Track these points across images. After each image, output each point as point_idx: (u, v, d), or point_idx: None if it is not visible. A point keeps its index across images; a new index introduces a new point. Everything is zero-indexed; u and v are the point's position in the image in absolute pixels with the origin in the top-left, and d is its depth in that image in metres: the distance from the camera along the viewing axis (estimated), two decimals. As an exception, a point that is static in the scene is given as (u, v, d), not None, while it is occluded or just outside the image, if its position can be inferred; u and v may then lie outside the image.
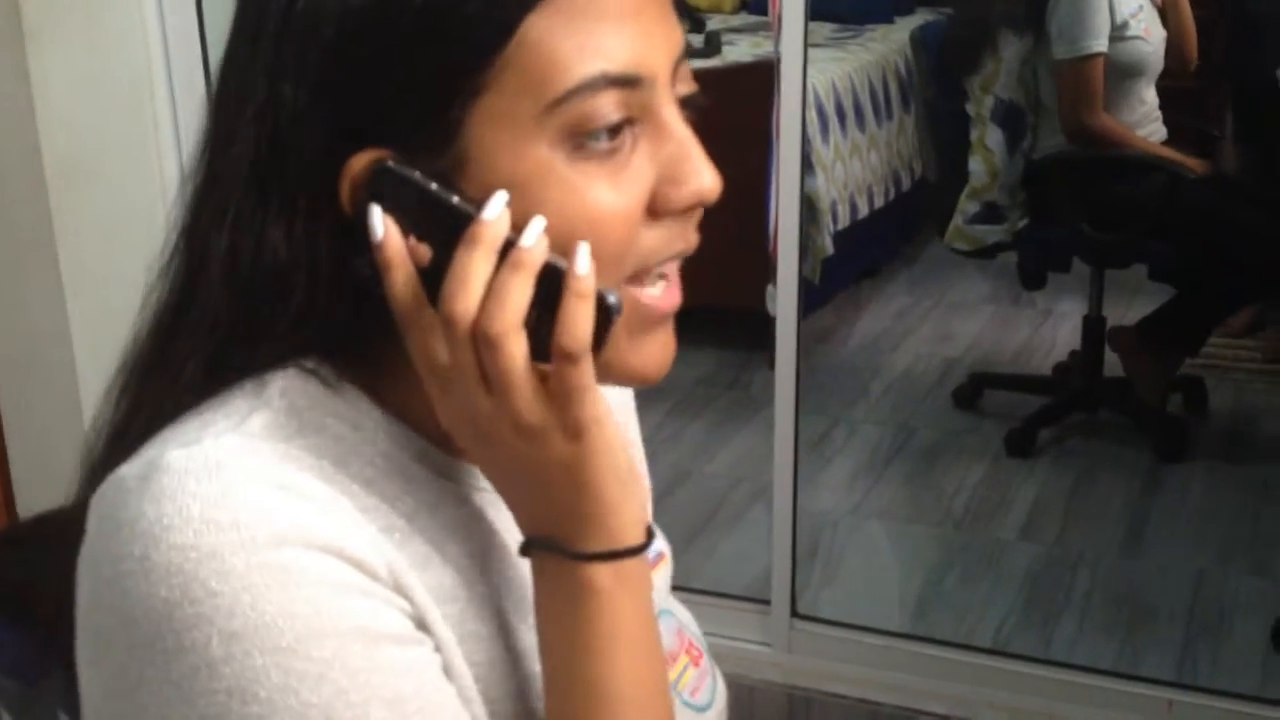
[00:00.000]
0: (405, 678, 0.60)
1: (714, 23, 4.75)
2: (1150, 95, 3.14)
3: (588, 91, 0.60)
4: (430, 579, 0.64)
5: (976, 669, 2.27)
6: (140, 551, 0.57)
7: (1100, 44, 2.98)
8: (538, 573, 0.66)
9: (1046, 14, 3.04)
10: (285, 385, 0.64)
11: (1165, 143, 3.15)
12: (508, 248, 0.60)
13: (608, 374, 0.65)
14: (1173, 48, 3.10)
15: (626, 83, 0.62)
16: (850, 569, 2.78)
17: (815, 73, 3.88)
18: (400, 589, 0.62)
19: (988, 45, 3.13)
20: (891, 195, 4.21)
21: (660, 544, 0.88)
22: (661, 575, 0.86)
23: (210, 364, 0.65)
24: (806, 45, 2.13)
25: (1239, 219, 3.02)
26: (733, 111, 3.13)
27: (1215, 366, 3.51)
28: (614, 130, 0.62)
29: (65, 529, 0.64)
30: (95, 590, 0.60)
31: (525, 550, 0.66)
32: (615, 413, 0.88)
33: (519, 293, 0.60)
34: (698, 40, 4.35)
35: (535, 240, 0.60)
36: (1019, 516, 2.96)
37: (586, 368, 0.60)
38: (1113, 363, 3.28)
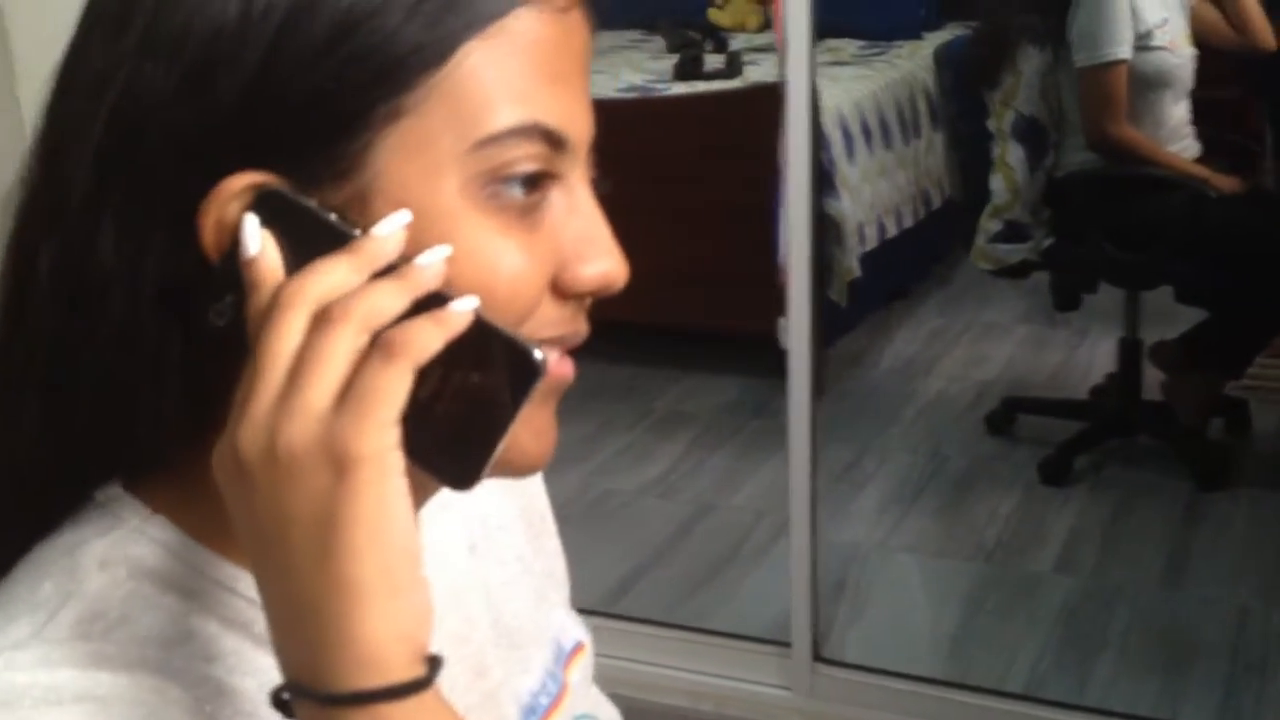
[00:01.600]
0: None
1: (737, 42, 4.69)
2: (1179, 110, 3.05)
3: (518, 138, 0.54)
4: None
5: (1009, 716, 2.19)
6: None
7: (1122, 51, 2.90)
8: None
9: (1067, 24, 2.96)
10: (106, 553, 0.56)
11: (1199, 158, 3.05)
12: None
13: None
14: (1239, 31, 3.00)
15: (556, 141, 0.55)
16: (878, 605, 2.69)
17: (840, 91, 3.82)
18: None
19: (1007, 59, 3.06)
20: (921, 215, 4.13)
21: (578, 632, 0.80)
22: (580, 669, 0.78)
23: (26, 466, 0.56)
24: (814, 69, 2.05)
25: (1276, 236, 2.91)
26: (753, 134, 3.09)
27: (1258, 388, 3.39)
28: (530, 183, 0.55)
29: None
30: None
31: (275, 700, 0.50)
32: (524, 483, 0.79)
33: (386, 296, 0.49)
34: (719, 61, 4.30)
35: (430, 263, 0.51)
36: (1054, 548, 2.86)
37: (400, 379, 0.47)
38: (1151, 386, 3.19)
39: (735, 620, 2.51)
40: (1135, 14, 2.92)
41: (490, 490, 0.49)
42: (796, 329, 2.18)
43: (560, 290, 0.57)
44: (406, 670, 0.48)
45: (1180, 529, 2.90)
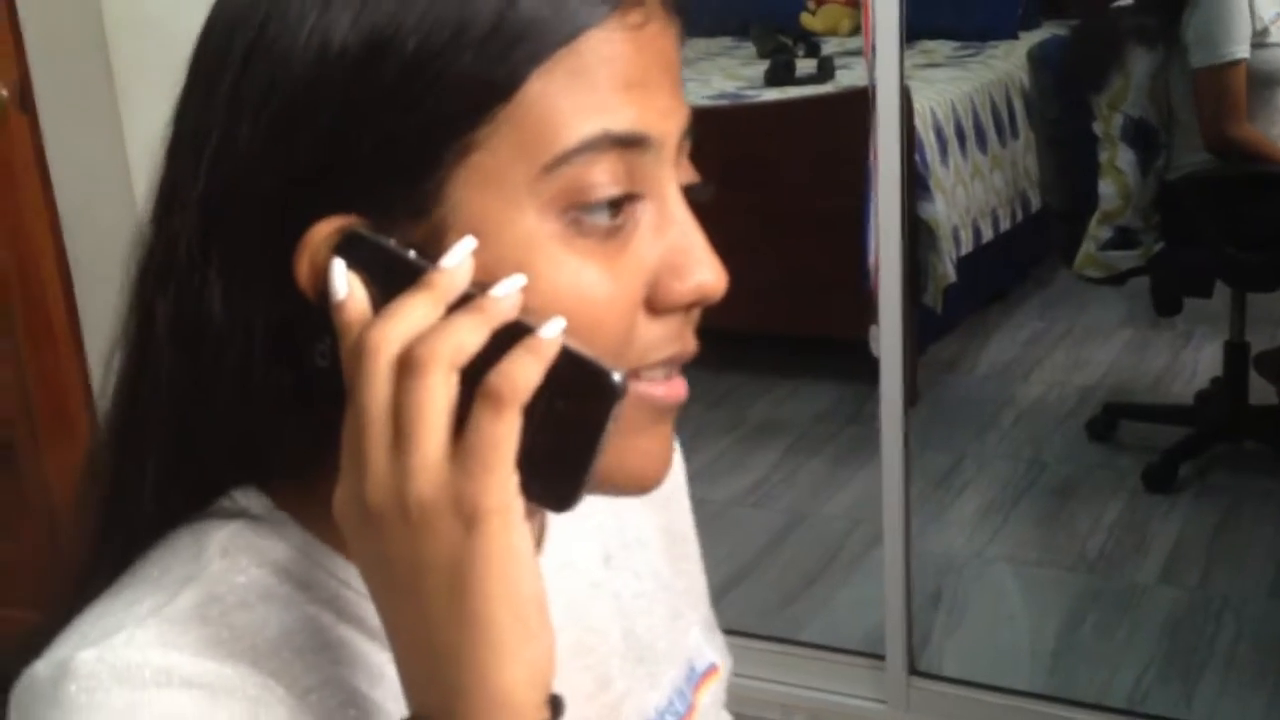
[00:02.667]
0: None
1: (829, 46, 4.66)
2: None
3: (589, 152, 0.53)
4: None
5: (1110, 731, 2.14)
6: None
7: (1242, 50, 2.83)
8: None
9: (1182, 23, 2.88)
10: (229, 541, 0.58)
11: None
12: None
13: (602, 480, 0.54)
14: None
15: (631, 143, 0.54)
16: (976, 616, 2.65)
17: (933, 93, 3.77)
18: None
19: (1114, 61, 2.99)
20: (1019, 217, 4.06)
21: (714, 655, 0.79)
22: (711, 693, 0.77)
23: (162, 484, 0.59)
24: (903, 71, 2.03)
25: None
26: (846, 139, 3.06)
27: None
28: (615, 206, 0.55)
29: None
30: None
31: None
32: (669, 502, 0.81)
33: (466, 332, 0.50)
34: (810, 66, 4.27)
35: (506, 293, 0.51)
36: (1159, 558, 2.80)
37: (509, 427, 0.49)
38: (1258, 390, 3.10)
39: (829, 632, 2.49)
40: (1253, 10, 2.84)
41: (631, 504, 0.50)
42: (888, 336, 2.15)
43: (656, 307, 0.57)
44: (535, 713, 0.50)
45: (1290, 538, 2.82)
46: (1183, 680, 2.38)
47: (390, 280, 0.52)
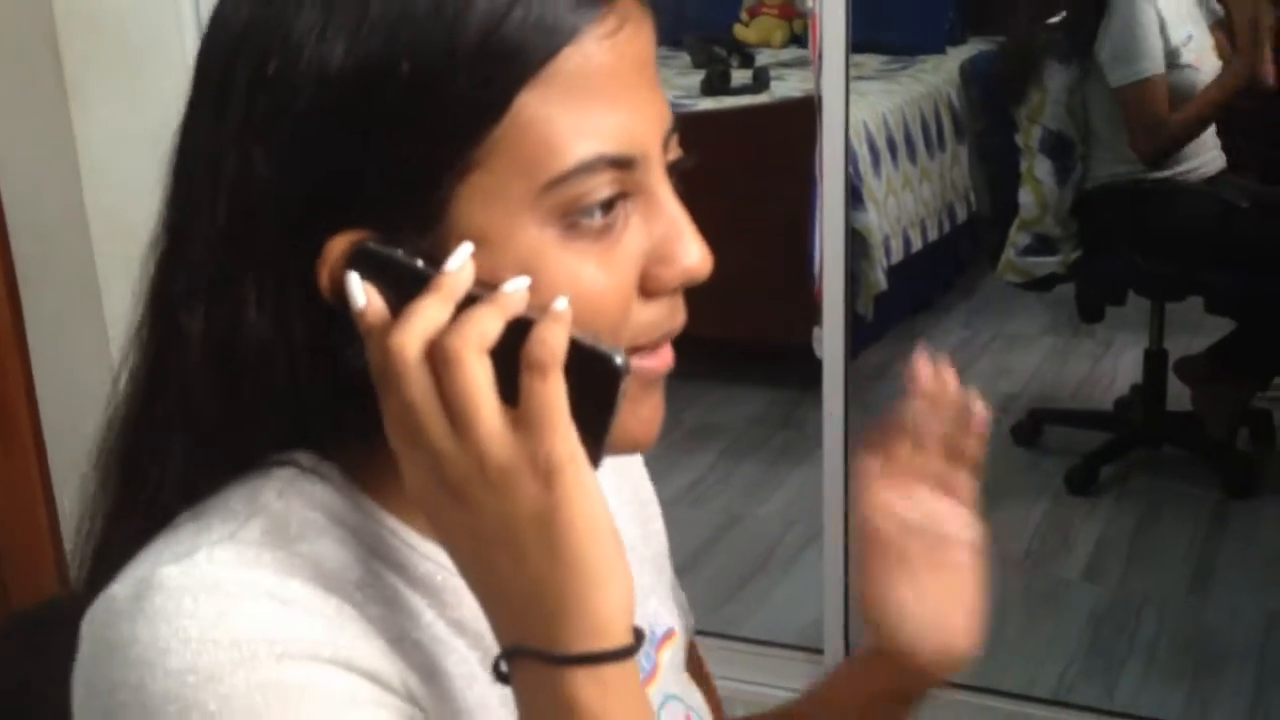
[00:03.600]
0: None
1: (763, 57, 4.73)
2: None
3: (585, 173, 0.58)
4: (439, 688, 0.62)
5: (1037, 720, 2.21)
6: (136, 680, 0.55)
7: (1156, 65, 2.91)
8: (517, 686, 0.58)
9: (1096, 42, 2.98)
10: (283, 486, 0.62)
11: (1224, 171, 3.08)
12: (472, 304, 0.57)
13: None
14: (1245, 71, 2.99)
15: (623, 164, 0.59)
16: (907, 613, 2.71)
17: (865, 106, 3.85)
18: (415, 700, 0.60)
19: (1033, 76, 3.08)
20: (946, 228, 4.16)
21: (669, 619, 0.84)
22: (670, 654, 0.82)
23: (195, 456, 0.62)
24: (849, 81, 2.09)
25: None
26: (780, 148, 3.12)
27: (1283, 399, 3.41)
28: (607, 206, 0.60)
29: (59, 627, 0.61)
30: (89, 714, 0.57)
31: (499, 668, 0.58)
32: (626, 468, 0.86)
33: (486, 321, 0.55)
34: (745, 76, 4.34)
35: (515, 289, 0.57)
36: (1081, 557, 2.89)
37: (557, 387, 0.55)
38: (1177, 396, 3.20)
39: (766, 628, 2.54)
40: (1164, 29, 2.93)
41: (603, 474, 0.57)
42: (831, 339, 2.21)
43: (648, 291, 0.62)
44: (625, 638, 0.56)
45: (1207, 537, 2.92)
46: (1105, 673, 2.45)
47: (401, 288, 0.57)
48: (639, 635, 0.57)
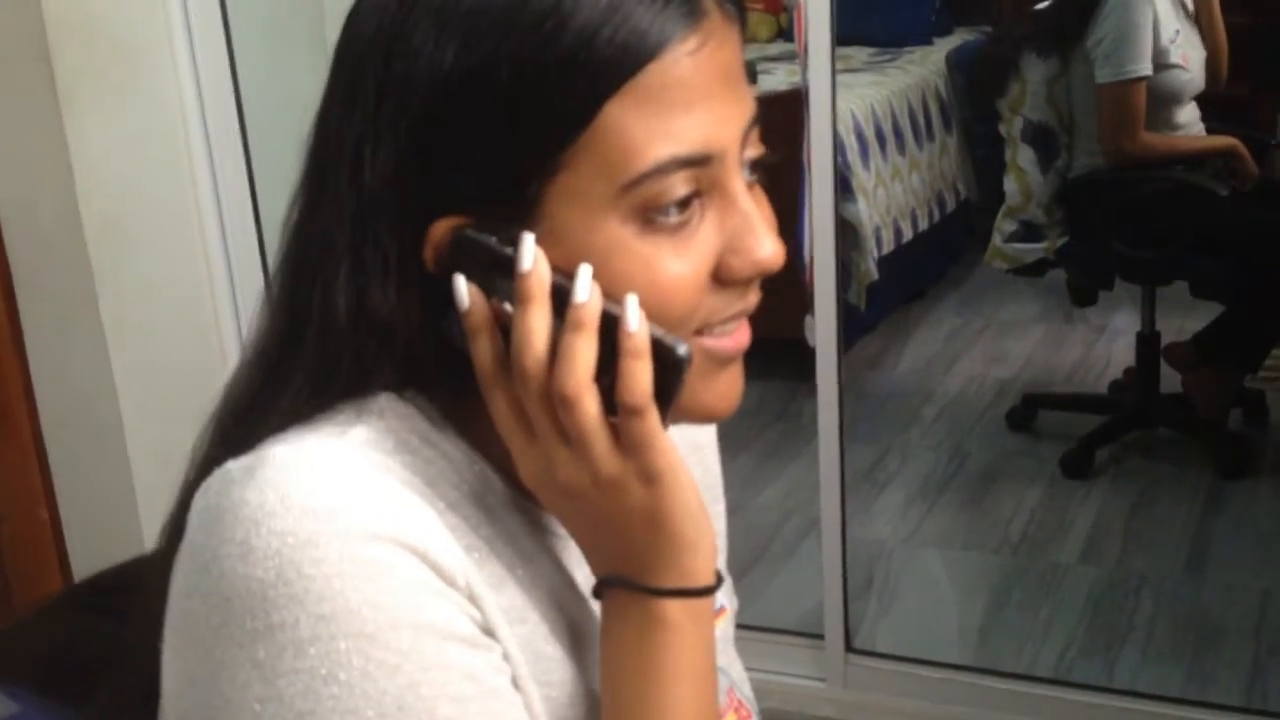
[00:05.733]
0: (470, 679, 0.63)
1: (750, 52, 4.74)
2: (1186, 114, 3.08)
3: (659, 174, 0.64)
4: (503, 600, 0.68)
5: (1039, 700, 2.23)
6: (241, 536, 0.60)
7: (1144, 68, 2.93)
8: (608, 605, 0.69)
9: (1087, 36, 2.99)
10: (385, 408, 0.68)
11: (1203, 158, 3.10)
12: (562, 300, 0.64)
13: (682, 413, 0.68)
14: (1208, 67, 3.06)
15: (696, 163, 0.65)
16: (907, 599, 2.74)
17: (853, 98, 3.87)
18: (474, 599, 0.65)
19: (1011, 68, 3.10)
20: (936, 217, 4.18)
21: (723, 598, 0.89)
22: (722, 629, 0.85)
23: (315, 389, 0.68)
24: (835, 74, 2.11)
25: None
26: (768, 141, 3.13)
27: (1275, 379, 3.43)
28: (683, 204, 0.65)
29: (137, 590, 0.68)
30: (191, 576, 0.63)
31: (599, 589, 0.69)
32: (701, 450, 0.94)
33: (584, 352, 0.63)
34: (734, 71, 4.34)
35: (588, 295, 0.63)
36: (1078, 540, 2.91)
37: (652, 418, 0.64)
38: (1169, 379, 3.22)
39: (767, 615, 2.54)
40: (1156, 30, 2.95)
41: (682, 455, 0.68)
42: (823, 327, 2.23)
43: (722, 280, 0.68)
44: (708, 578, 0.68)
45: (1201, 518, 2.95)
46: (1105, 653, 2.47)
47: (493, 270, 0.65)
48: (719, 576, 0.68)
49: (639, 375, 0.63)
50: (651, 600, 0.67)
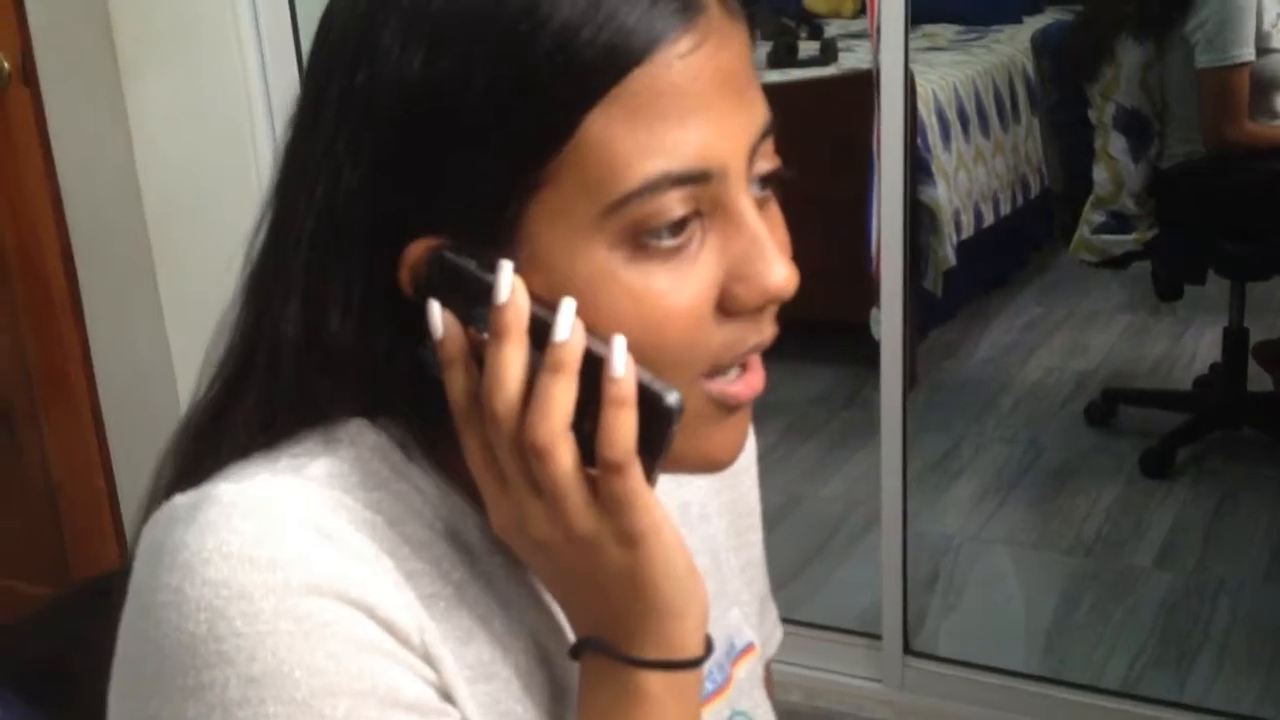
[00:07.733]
0: None
1: (833, 28, 4.65)
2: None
3: (649, 193, 0.57)
4: (470, 654, 0.63)
5: (1104, 713, 2.16)
6: (176, 583, 0.57)
7: (1248, 52, 2.83)
8: (585, 669, 0.63)
9: (1187, 19, 2.88)
10: (356, 437, 0.63)
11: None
12: (543, 334, 0.57)
13: (678, 463, 0.62)
14: None
15: (692, 179, 0.58)
16: (972, 598, 2.66)
17: (936, 77, 3.77)
18: (430, 660, 0.60)
19: (1105, 52, 2.99)
20: (1019, 202, 4.06)
21: (750, 634, 0.82)
22: (747, 668, 0.80)
23: (263, 422, 0.64)
24: (908, 53, 2.03)
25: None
26: (847, 121, 3.06)
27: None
28: (679, 226, 0.58)
29: (107, 597, 0.64)
30: (133, 615, 0.60)
31: (576, 651, 0.63)
32: (738, 475, 0.86)
33: (561, 397, 0.57)
34: (813, 48, 4.26)
35: (569, 333, 0.57)
36: (1155, 542, 2.81)
37: (633, 475, 0.57)
38: (1257, 376, 3.11)
39: (825, 612, 2.49)
40: (1260, 13, 2.84)
41: (697, 481, 0.56)
42: (889, 320, 2.15)
43: (728, 310, 0.60)
44: (695, 649, 0.62)
45: (1286, 524, 2.84)
46: (1177, 664, 2.38)
47: (468, 293, 0.59)
48: (709, 645, 0.63)
49: (621, 427, 0.57)
50: (631, 670, 0.61)
